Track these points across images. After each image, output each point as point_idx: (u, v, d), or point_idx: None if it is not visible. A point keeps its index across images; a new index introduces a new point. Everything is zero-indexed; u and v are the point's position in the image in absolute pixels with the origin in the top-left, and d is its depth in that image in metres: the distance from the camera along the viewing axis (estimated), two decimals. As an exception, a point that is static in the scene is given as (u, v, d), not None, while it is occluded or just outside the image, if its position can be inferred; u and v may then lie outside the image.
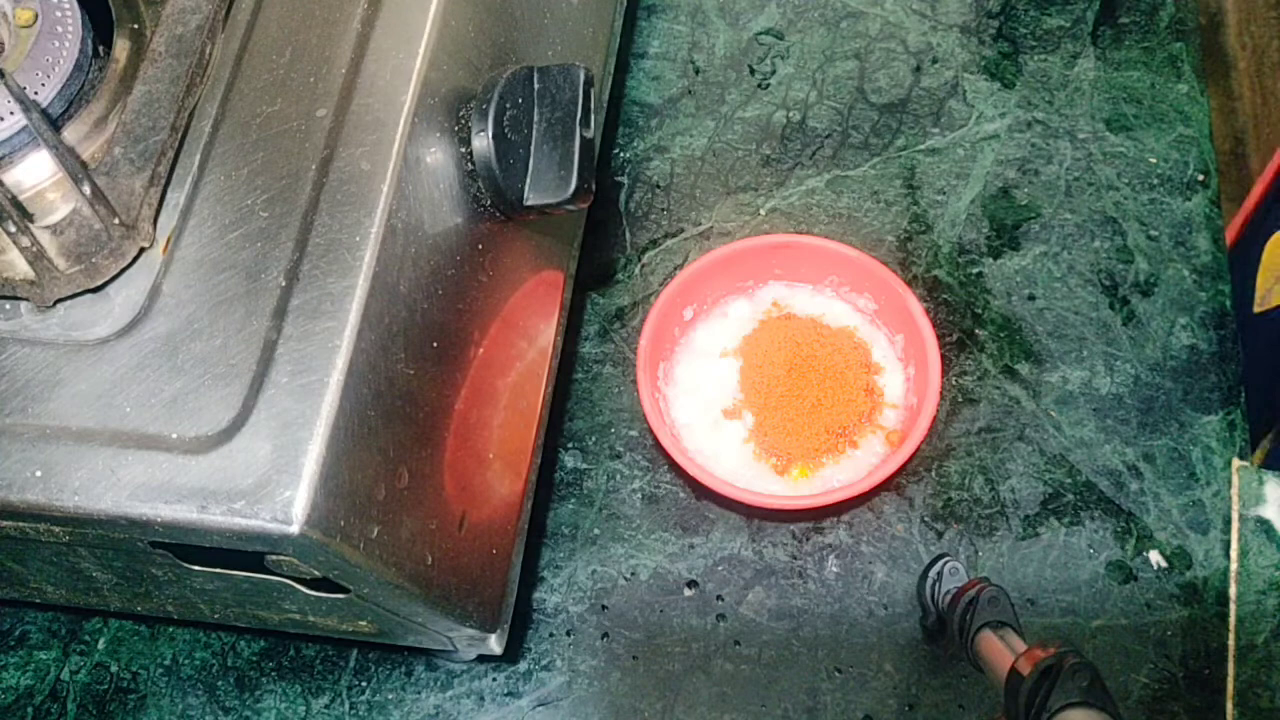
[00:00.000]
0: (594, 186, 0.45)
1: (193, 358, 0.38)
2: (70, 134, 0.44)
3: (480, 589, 0.47)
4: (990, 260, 0.66)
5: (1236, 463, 0.60)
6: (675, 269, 0.67)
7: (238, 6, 0.45)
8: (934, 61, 0.72)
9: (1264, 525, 0.59)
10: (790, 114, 0.71)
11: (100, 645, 0.60)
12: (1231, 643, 0.57)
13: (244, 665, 0.59)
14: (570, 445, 0.63)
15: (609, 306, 0.67)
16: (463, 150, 0.43)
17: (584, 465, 0.62)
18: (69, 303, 0.40)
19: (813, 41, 0.74)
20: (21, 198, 0.43)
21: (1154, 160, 0.69)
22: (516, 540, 0.52)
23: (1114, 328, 0.64)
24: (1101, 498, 0.60)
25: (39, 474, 0.36)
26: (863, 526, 0.60)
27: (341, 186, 0.40)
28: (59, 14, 0.45)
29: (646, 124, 0.72)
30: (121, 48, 0.46)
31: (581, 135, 0.44)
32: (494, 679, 0.58)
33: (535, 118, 0.44)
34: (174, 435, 0.37)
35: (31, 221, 0.41)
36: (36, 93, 0.43)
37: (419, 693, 0.58)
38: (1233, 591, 0.58)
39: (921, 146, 0.70)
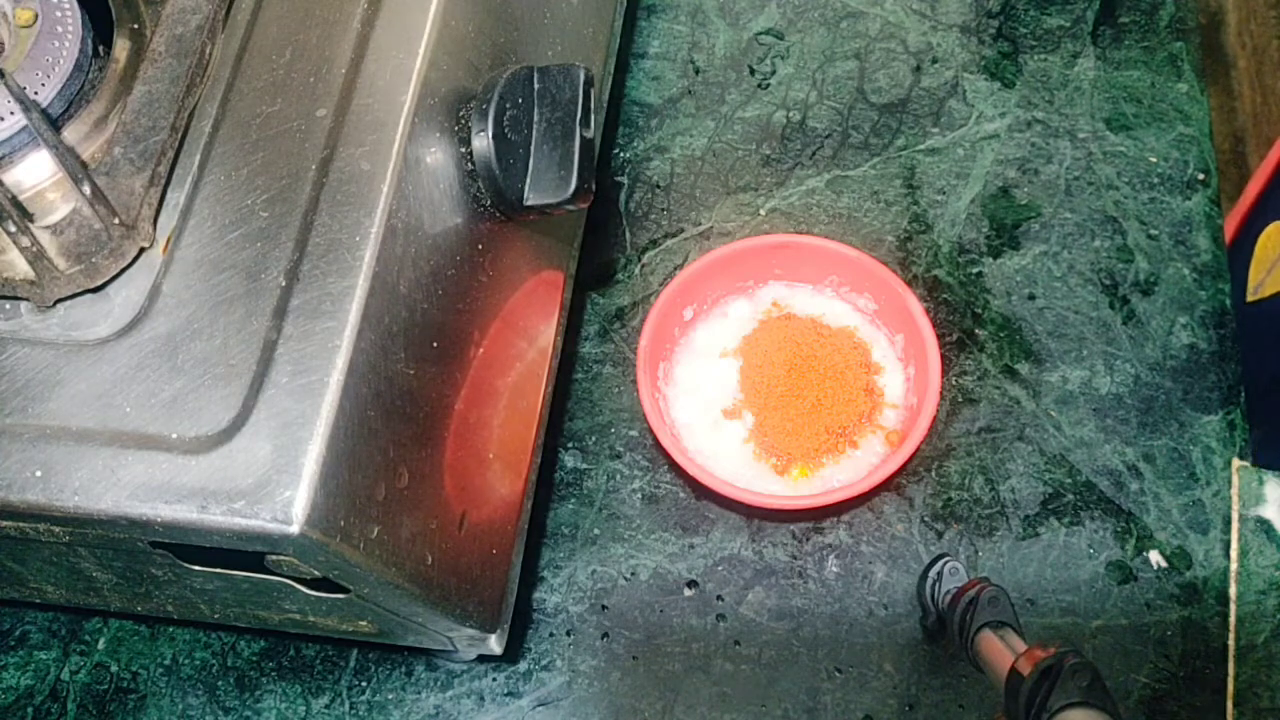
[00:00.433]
0: (594, 186, 0.45)
1: (193, 358, 0.38)
2: (70, 134, 0.44)
3: (480, 589, 0.47)
4: (990, 260, 0.66)
5: (1236, 463, 0.60)
6: (675, 269, 0.67)
7: (238, 6, 0.45)
8: (934, 61, 0.72)
9: (1264, 525, 0.59)
10: (790, 114, 0.71)
11: (100, 645, 0.60)
12: (1231, 643, 0.57)
13: (244, 665, 0.59)
14: (570, 445, 0.63)
15: (609, 306, 0.67)
16: (463, 150, 0.43)
17: (584, 465, 0.62)
18: (69, 303, 0.40)
19: (813, 41, 0.74)
20: (21, 198, 0.43)
21: (1154, 159, 0.69)
22: (516, 540, 0.52)
23: (1114, 327, 0.64)
24: (1101, 498, 0.60)
25: (39, 474, 0.36)
26: (863, 526, 0.60)
27: (341, 186, 0.40)
28: (59, 14, 0.45)
29: (646, 124, 0.72)
30: (121, 48, 0.46)
31: (581, 135, 0.44)
32: (494, 679, 0.58)
33: (535, 118, 0.44)
34: (174, 435, 0.37)
35: (31, 221, 0.41)
36: (36, 93, 0.43)
37: (419, 693, 0.58)
38: (1233, 591, 0.58)
39: (921, 146, 0.70)
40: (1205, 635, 0.57)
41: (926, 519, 0.60)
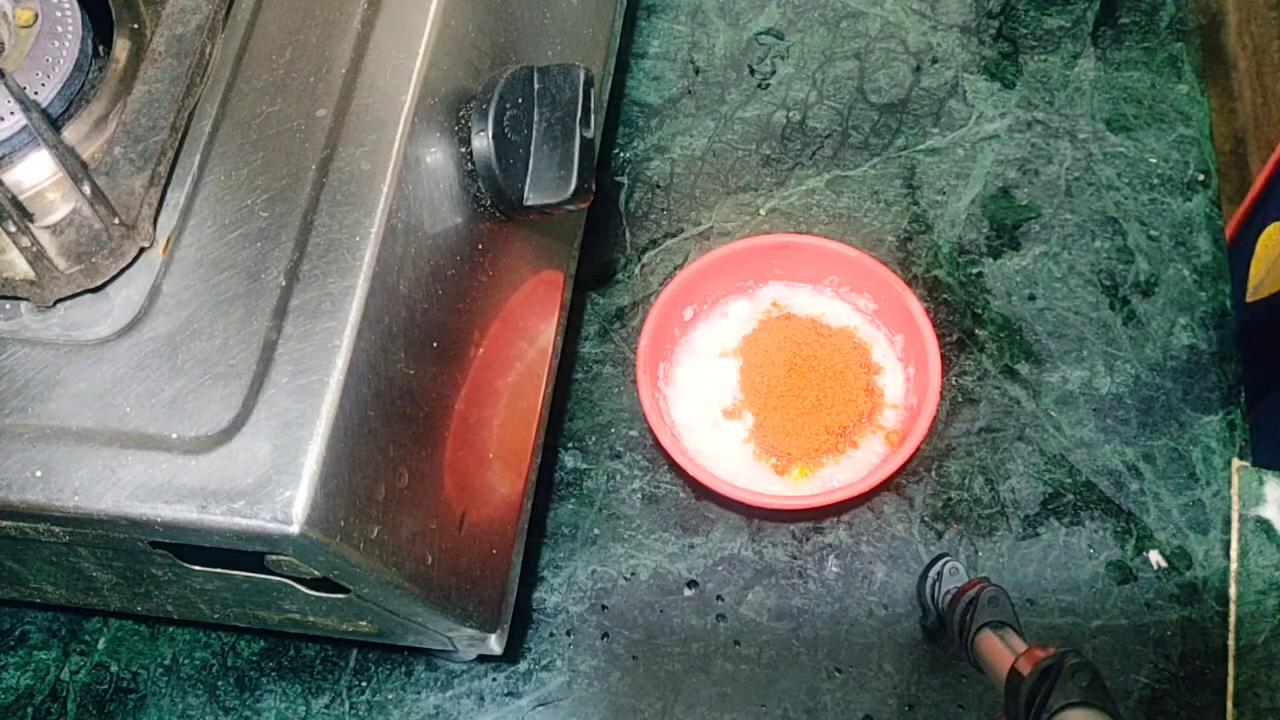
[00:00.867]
0: (594, 186, 0.45)
1: (193, 358, 0.38)
2: (70, 134, 0.44)
3: (480, 589, 0.47)
4: (990, 260, 0.66)
5: (1236, 463, 0.60)
6: (675, 269, 0.67)
7: (238, 6, 0.45)
8: (934, 61, 0.72)
9: (1264, 525, 0.59)
10: (790, 114, 0.71)
11: (100, 645, 0.60)
12: (1231, 643, 0.57)
13: (244, 665, 0.59)
14: (570, 445, 0.63)
15: (609, 306, 0.67)
16: (463, 150, 0.43)
17: (584, 465, 0.62)
18: (69, 303, 0.40)
19: (813, 41, 0.74)
20: (21, 198, 0.43)
21: (1154, 160, 0.69)
22: (516, 540, 0.52)
23: (1114, 328, 0.64)
24: (1101, 498, 0.60)
25: (39, 474, 0.36)
26: (863, 526, 0.60)
27: (341, 186, 0.40)
28: (59, 14, 0.45)
29: (646, 124, 0.72)
30: (121, 48, 0.46)
31: (581, 135, 0.44)
32: (494, 679, 0.58)
33: (535, 118, 0.44)
34: (174, 435, 0.37)
35: (31, 221, 0.41)
36: (36, 93, 0.43)
37: (419, 693, 0.58)
38: (1233, 591, 0.58)
39: (921, 146, 0.70)
40: (1205, 635, 0.57)
41: (926, 519, 0.60)
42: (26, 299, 0.40)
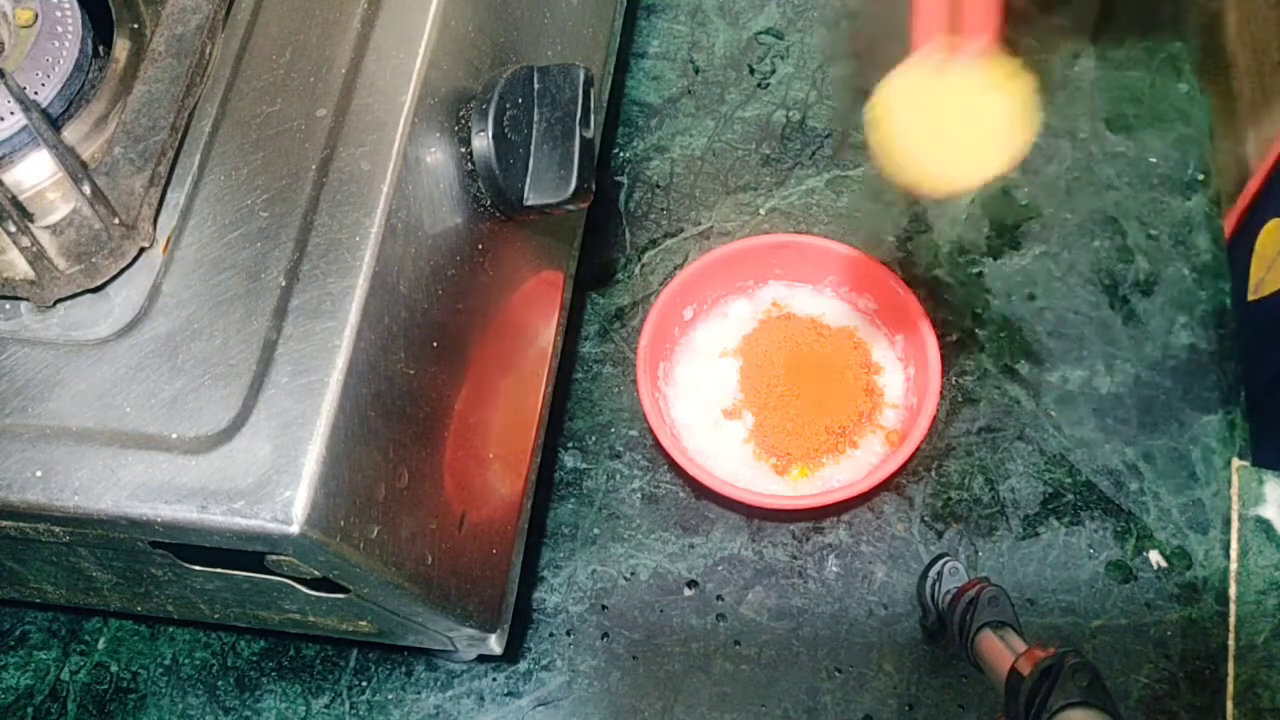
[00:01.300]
0: (594, 186, 0.45)
1: (193, 358, 0.38)
2: (70, 134, 0.44)
3: (480, 589, 0.47)
4: (990, 260, 0.66)
5: (1236, 462, 0.60)
6: (675, 269, 0.67)
7: (238, 6, 0.45)
8: (934, 61, 0.72)
9: (1264, 525, 0.59)
10: (790, 114, 0.71)
11: (100, 645, 0.60)
12: (1231, 643, 0.57)
13: (244, 665, 0.59)
14: (570, 445, 0.63)
15: (609, 306, 0.67)
16: (463, 150, 0.43)
17: (584, 465, 0.62)
18: (69, 303, 0.40)
19: (813, 41, 0.74)
20: (21, 198, 0.43)
21: (1154, 160, 0.69)
22: (516, 540, 0.52)
23: (1114, 327, 0.64)
24: (1101, 498, 0.60)
25: (39, 474, 0.36)
26: (863, 526, 0.60)
27: (341, 186, 0.40)
28: (59, 14, 0.45)
29: (646, 124, 0.72)
30: (121, 48, 0.46)
31: (581, 135, 0.44)
32: (494, 679, 0.58)
33: (535, 118, 0.44)
34: (174, 435, 0.37)
35: (31, 221, 0.41)
36: (36, 93, 0.43)
37: (419, 693, 0.58)
38: (1233, 591, 0.58)
39: (921, 146, 0.70)
40: (1205, 635, 0.57)
41: (926, 519, 0.60)
42: (26, 299, 0.40)
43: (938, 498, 0.60)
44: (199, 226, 0.40)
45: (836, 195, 0.69)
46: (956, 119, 0.36)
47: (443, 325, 0.42)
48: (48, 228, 0.40)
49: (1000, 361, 0.64)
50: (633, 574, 0.60)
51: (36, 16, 0.45)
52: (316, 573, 0.38)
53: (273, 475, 0.35)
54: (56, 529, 0.38)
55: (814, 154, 0.70)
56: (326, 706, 0.57)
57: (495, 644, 0.50)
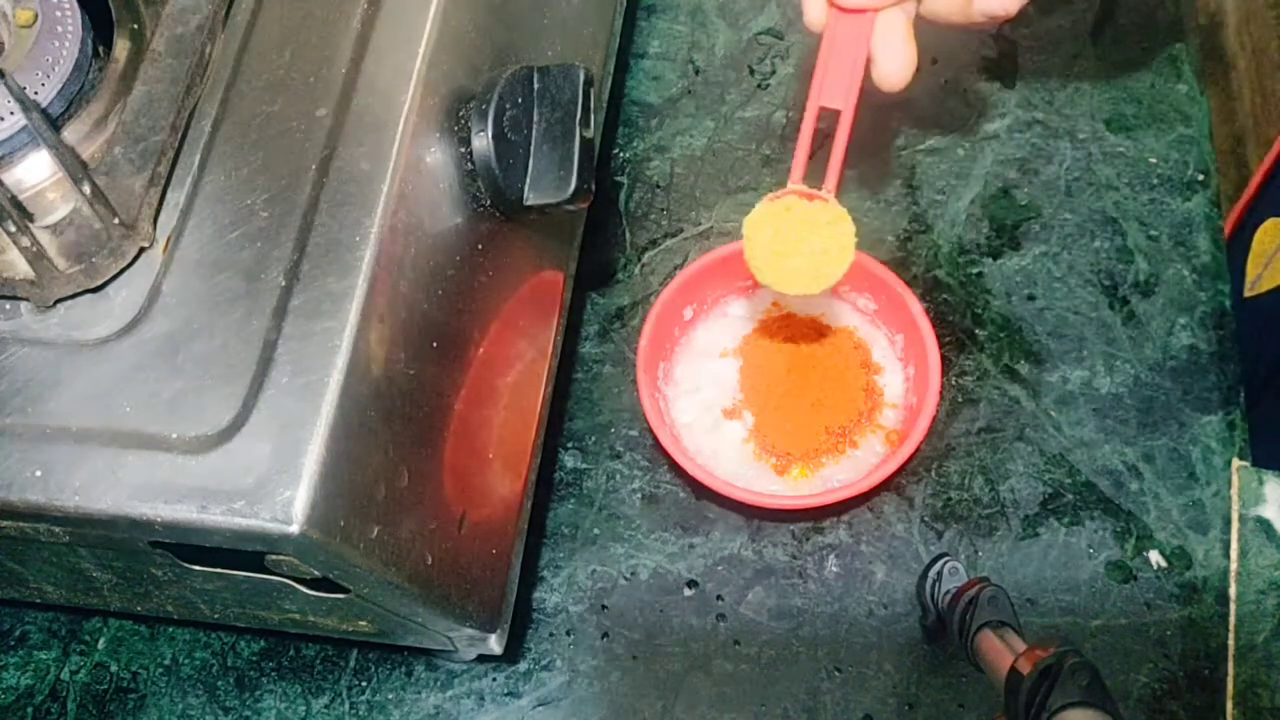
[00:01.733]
0: (594, 186, 0.45)
1: (193, 358, 0.38)
2: (70, 134, 0.44)
3: (480, 589, 0.47)
4: (990, 260, 0.66)
5: (1236, 463, 0.60)
6: (675, 269, 0.67)
7: (238, 6, 0.45)
8: (934, 61, 0.72)
9: (1264, 525, 0.59)
10: (790, 114, 0.71)
11: (100, 645, 0.60)
12: (1231, 643, 0.57)
13: (244, 665, 0.59)
14: (570, 445, 0.63)
15: (609, 306, 0.67)
16: (463, 150, 0.43)
17: (584, 465, 0.62)
18: (69, 303, 0.40)
19: (812, 41, 0.74)
20: (21, 198, 0.43)
21: (1154, 160, 0.69)
22: (516, 540, 0.52)
23: (1114, 328, 0.64)
24: (1101, 498, 0.60)
25: (39, 474, 0.36)
26: (863, 526, 0.60)
27: (341, 186, 0.40)
28: (59, 14, 0.45)
29: (646, 124, 0.72)
30: (121, 48, 0.46)
31: (581, 135, 0.44)
32: (494, 679, 0.58)
33: (535, 118, 0.44)
34: (174, 435, 0.37)
35: (31, 221, 0.41)
36: (36, 93, 0.43)
37: (419, 693, 0.58)
38: (1233, 591, 0.58)
39: (921, 146, 0.70)
40: (1205, 635, 0.57)
41: (926, 519, 0.60)
42: (26, 299, 0.40)
43: (938, 498, 0.60)
44: (199, 226, 0.40)
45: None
46: (797, 243, 0.49)
47: (443, 325, 0.42)
48: (48, 228, 0.40)
49: (1000, 362, 0.64)
50: (633, 574, 0.60)
51: (36, 16, 0.45)
52: (316, 573, 0.38)
53: (273, 475, 0.35)
54: (56, 529, 0.38)
55: (814, 154, 0.70)
56: (326, 706, 0.58)
57: (495, 644, 0.50)
